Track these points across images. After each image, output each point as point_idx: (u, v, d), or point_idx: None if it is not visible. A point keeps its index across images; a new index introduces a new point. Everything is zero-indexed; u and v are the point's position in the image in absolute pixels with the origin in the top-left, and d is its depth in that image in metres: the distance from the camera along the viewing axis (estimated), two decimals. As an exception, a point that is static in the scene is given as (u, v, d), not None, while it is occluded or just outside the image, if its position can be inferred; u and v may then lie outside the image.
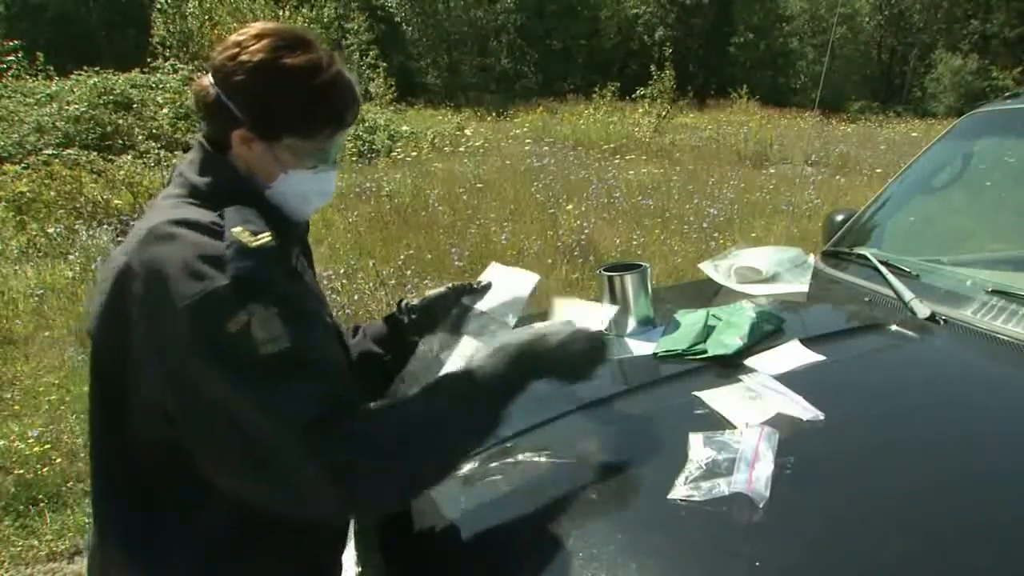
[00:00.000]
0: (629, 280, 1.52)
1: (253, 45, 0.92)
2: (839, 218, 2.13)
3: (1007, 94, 2.13)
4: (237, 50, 0.92)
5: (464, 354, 1.12)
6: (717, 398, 1.18)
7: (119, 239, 5.53)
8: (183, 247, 0.84)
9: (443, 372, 0.96)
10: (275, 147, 0.95)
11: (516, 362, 0.94)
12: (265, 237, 0.87)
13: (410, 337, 1.28)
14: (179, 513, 0.91)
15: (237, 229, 0.86)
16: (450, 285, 1.34)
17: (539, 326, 1.02)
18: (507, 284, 1.33)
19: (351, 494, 0.81)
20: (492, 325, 1.25)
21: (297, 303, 0.88)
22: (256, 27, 0.95)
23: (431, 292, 1.33)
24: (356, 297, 4.34)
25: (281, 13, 14.99)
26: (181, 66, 12.34)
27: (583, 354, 1.01)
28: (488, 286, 1.34)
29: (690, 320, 1.48)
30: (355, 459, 0.80)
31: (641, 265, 1.56)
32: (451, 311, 1.31)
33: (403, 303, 1.31)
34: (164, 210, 0.91)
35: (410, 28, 24.57)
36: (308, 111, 0.95)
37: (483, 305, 1.31)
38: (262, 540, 0.92)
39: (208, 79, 0.95)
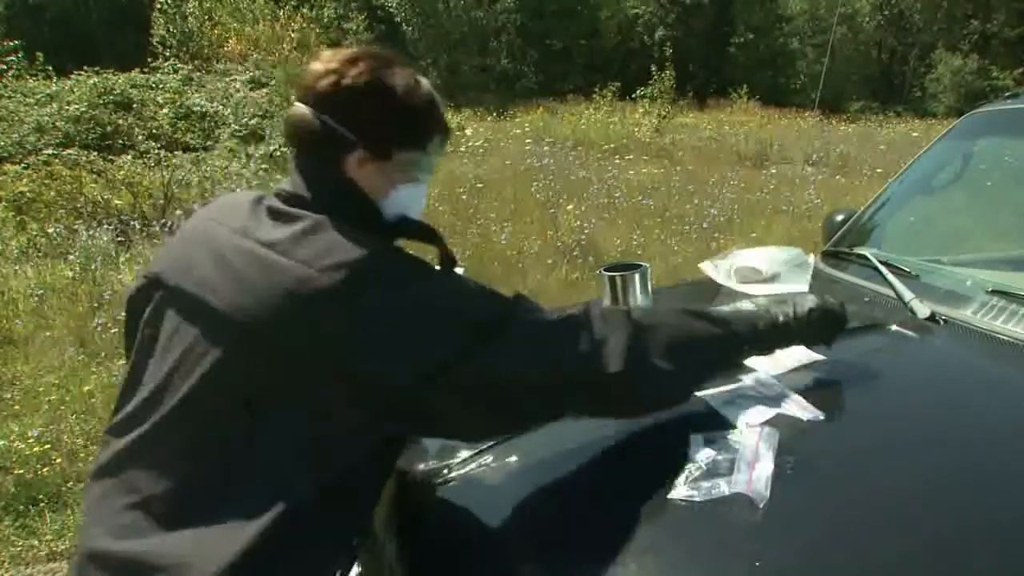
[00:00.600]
0: (629, 280, 1.52)
1: (352, 70, 0.94)
2: (839, 218, 2.13)
3: (1007, 94, 2.13)
4: (336, 77, 0.94)
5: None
6: (717, 398, 1.18)
7: (119, 239, 5.53)
8: (401, 276, 0.91)
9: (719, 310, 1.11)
10: (388, 164, 0.98)
11: (773, 328, 1.11)
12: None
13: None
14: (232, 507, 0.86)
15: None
16: None
17: (783, 294, 1.18)
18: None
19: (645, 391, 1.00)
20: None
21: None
22: (345, 52, 0.98)
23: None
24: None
25: (281, 13, 15.02)
26: (181, 66, 12.35)
27: (828, 322, 1.16)
28: None
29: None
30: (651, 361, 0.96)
31: (641, 265, 1.55)
32: None
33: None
34: (335, 236, 0.89)
35: (410, 28, 24.55)
36: (418, 124, 1.00)
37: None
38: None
39: (306, 109, 0.95)
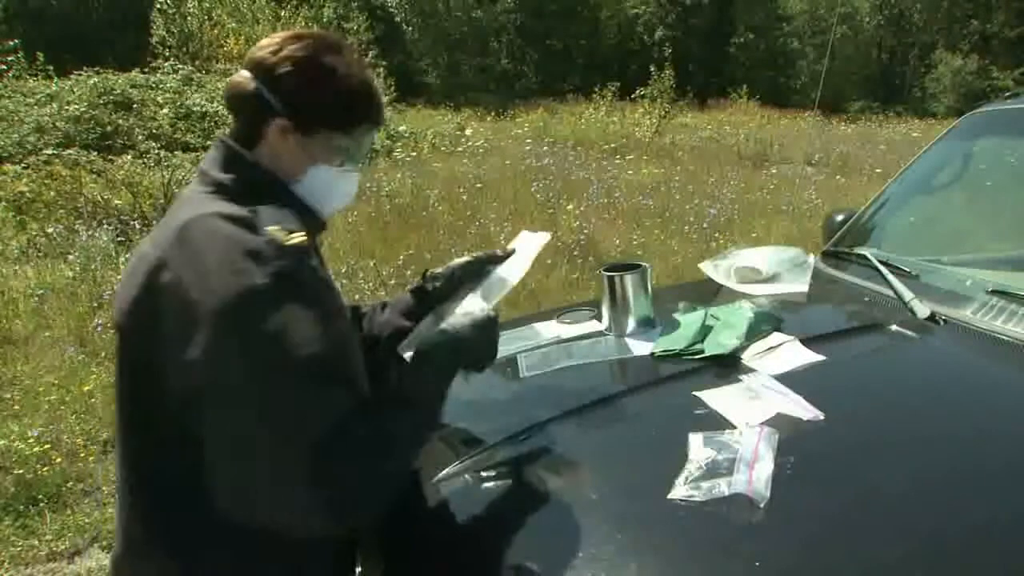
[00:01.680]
0: (629, 280, 1.52)
1: (294, 44, 0.97)
2: (839, 218, 2.13)
3: (1007, 94, 2.13)
4: (278, 47, 0.97)
5: (468, 309, 1.10)
6: (717, 398, 1.18)
7: (119, 239, 5.53)
8: (222, 241, 0.85)
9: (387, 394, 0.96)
10: (310, 141, 0.99)
11: (436, 375, 0.97)
12: (299, 236, 0.89)
13: (435, 306, 1.27)
14: (205, 511, 0.88)
15: (273, 227, 0.88)
16: (476, 254, 1.32)
17: (444, 325, 1.03)
18: (524, 246, 1.32)
19: (339, 514, 0.82)
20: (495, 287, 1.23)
21: (327, 303, 0.90)
22: (296, 31, 1.01)
23: (456, 260, 1.31)
24: (357, 297, 4.34)
25: (281, 13, 15.02)
26: (181, 66, 12.34)
27: (478, 345, 1.02)
28: (511, 252, 1.32)
29: (688, 320, 1.48)
30: (349, 484, 0.82)
31: (641, 265, 1.56)
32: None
33: (428, 272, 1.31)
34: (197, 204, 0.92)
35: (410, 28, 24.56)
36: (346, 106, 1.00)
37: (502, 270, 1.27)
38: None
39: (245, 73, 0.98)
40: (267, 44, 0.98)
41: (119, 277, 4.79)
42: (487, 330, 1.03)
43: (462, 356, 1.00)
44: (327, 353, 0.84)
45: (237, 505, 0.85)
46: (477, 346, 1.02)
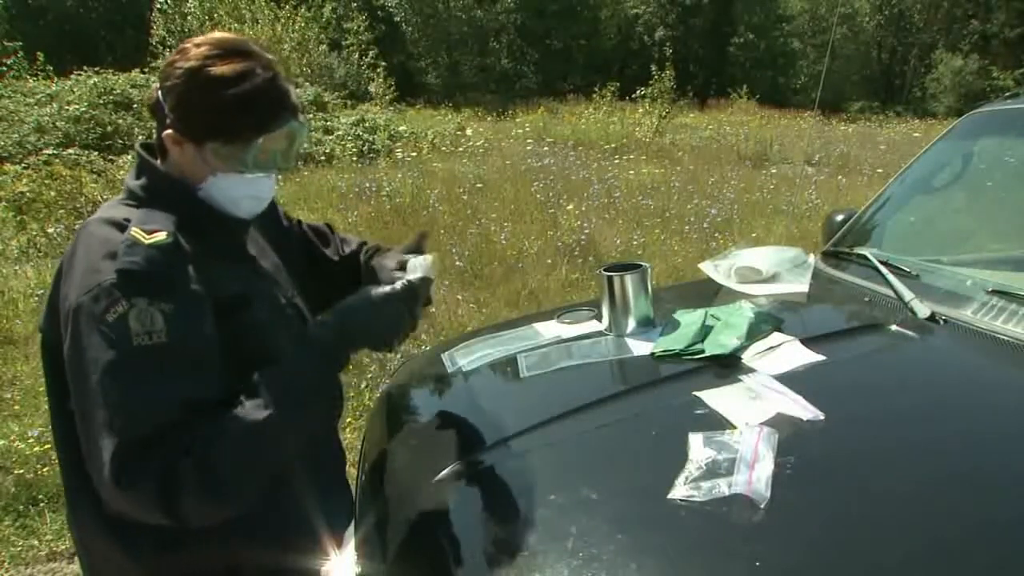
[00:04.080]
0: (629, 280, 1.52)
1: (191, 51, 0.99)
2: (839, 218, 2.13)
3: (1007, 94, 2.13)
4: (179, 56, 0.99)
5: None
6: (717, 398, 1.18)
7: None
8: (94, 244, 0.92)
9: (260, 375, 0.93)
10: (202, 150, 1.00)
11: (327, 356, 0.99)
12: (159, 236, 0.92)
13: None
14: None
15: (135, 229, 0.92)
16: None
17: (350, 299, 1.03)
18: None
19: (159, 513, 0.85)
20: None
21: (194, 301, 0.92)
22: (206, 36, 1.01)
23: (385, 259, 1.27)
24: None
25: (280, 13, 15.01)
26: (181, 66, 12.31)
27: (388, 324, 1.04)
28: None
29: (688, 320, 1.48)
30: (160, 495, 0.83)
31: (641, 265, 1.56)
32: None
33: (366, 246, 1.33)
34: (102, 210, 1.00)
35: (410, 28, 24.55)
36: (225, 118, 0.98)
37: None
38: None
39: (157, 83, 1.02)
40: (177, 50, 1.01)
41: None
42: (389, 304, 1.04)
43: (361, 324, 1.02)
44: (172, 346, 0.87)
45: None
46: (379, 318, 1.03)
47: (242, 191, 1.04)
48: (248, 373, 0.93)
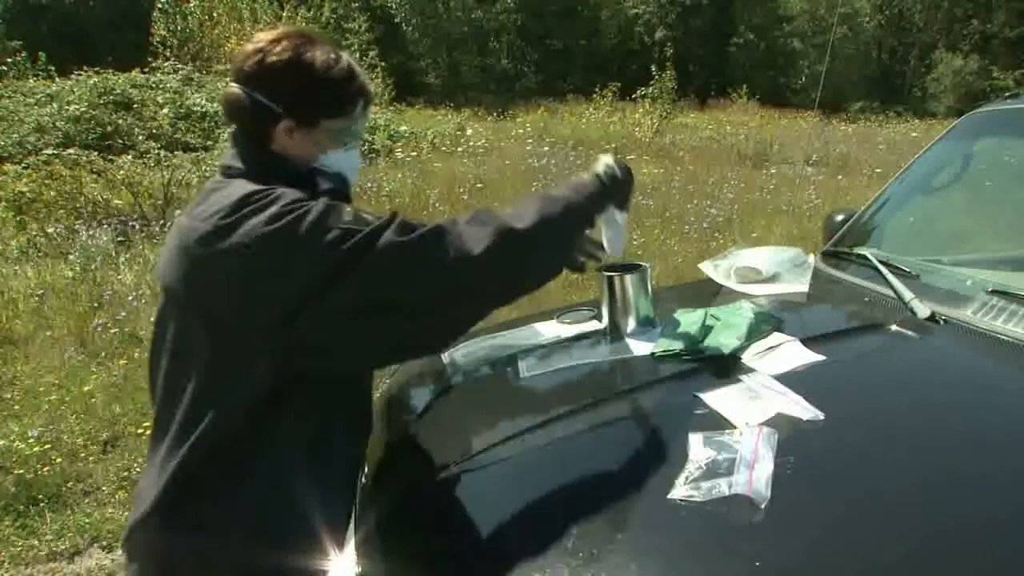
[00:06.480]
0: (629, 280, 1.52)
1: (276, 48, 1.04)
2: (839, 218, 2.13)
3: (1007, 94, 2.13)
4: (262, 55, 1.03)
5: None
6: (717, 398, 1.18)
7: (119, 239, 5.53)
8: (272, 208, 0.94)
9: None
10: (314, 131, 1.07)
11: (595, 197, 1.21)
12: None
13: None
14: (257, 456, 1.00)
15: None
16: None
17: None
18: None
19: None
20: None
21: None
22: (270, 33, 1.07)
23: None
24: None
25: (281, 13, 15.02)
26: (181, 66, 12.34)
27: (625, 182, 1.27)
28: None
29: (688, 320, 1.48)
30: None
31: (641, 265, 1.56)
32: None
33: None
34: (237, 187, 0.99)
35: (410, 28, 24.55)
36: (338, 94, 1.08)
37: None
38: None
39: (237, 87, 1.05)
40: (251, 53, 1.04)
41: (119, 277, 4.82)
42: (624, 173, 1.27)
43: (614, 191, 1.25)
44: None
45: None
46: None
47: (352, 162, 1.15)
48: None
